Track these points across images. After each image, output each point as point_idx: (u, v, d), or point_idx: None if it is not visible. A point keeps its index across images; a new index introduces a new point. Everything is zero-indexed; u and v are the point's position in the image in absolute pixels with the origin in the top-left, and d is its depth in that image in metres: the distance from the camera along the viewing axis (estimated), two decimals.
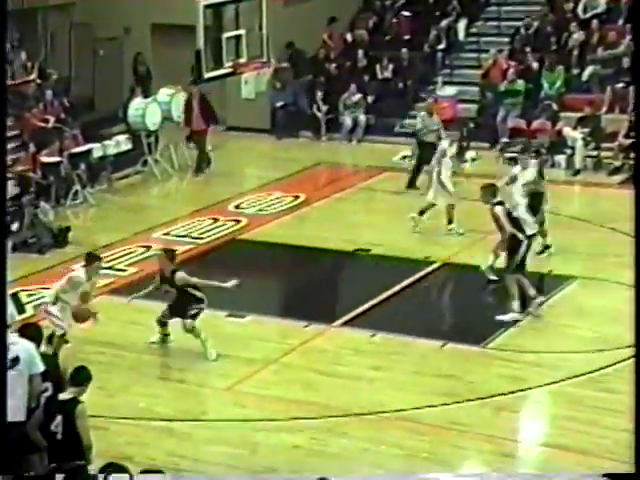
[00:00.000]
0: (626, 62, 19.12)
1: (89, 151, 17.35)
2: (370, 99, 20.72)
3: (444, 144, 15.27)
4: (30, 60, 19.54)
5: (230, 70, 14.39)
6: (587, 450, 8.95)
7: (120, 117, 19.16)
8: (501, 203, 12.00)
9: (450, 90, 20.19)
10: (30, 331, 8.03)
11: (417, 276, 13.25)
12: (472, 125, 19.60)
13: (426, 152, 16.40)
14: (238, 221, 15.86)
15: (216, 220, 15.86)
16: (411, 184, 17.05)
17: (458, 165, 17.36)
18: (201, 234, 15.28)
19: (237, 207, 16.51)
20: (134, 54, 20.89)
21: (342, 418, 9.41)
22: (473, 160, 18.93)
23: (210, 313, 12.06)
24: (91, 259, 10.89)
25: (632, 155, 17.76)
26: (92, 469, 7.01)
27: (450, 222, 14.85)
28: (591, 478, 5.34)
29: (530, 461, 9.06)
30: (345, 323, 11.95)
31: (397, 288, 12.80)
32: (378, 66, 21.17)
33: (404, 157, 19.19)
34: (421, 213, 14.91)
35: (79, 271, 10.97)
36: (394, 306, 12.46)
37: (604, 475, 5.28)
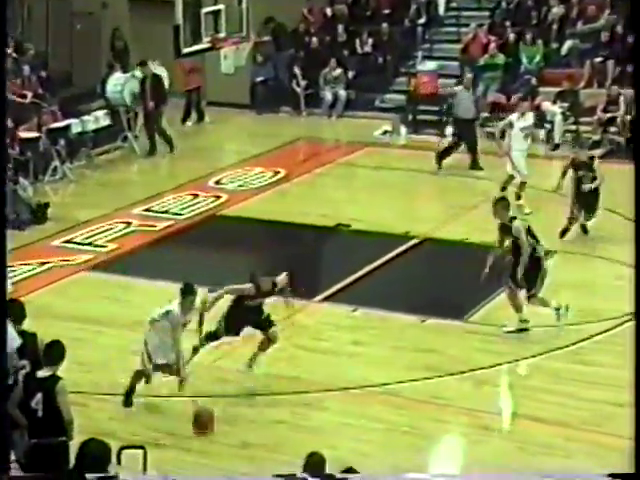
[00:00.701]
0: (605, 36, 19.16)
1: (68, 127, 17.24)
2: (350, 74, 20.66)
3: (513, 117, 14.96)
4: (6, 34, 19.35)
5: (209, 45, 14.32)
6: (565, 422, 9.04)
7: (99, 93, 19.03)
8: (516, 218, 11.00)
9: (430, 65, 20.14)
10: (11, 308, 8.01)
11: (397, 251, 13.28)
12: (452, 100, 19.57)
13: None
14: (218, 197, 15.82)
15: (196, 196, 15.82)
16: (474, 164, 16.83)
17: (439, 140, 17.43)
18: (181, 210, 15.23)
19: (217, 183, 16.46)
20: (112, 29, 20.72)
21: (323, 393, 9.45)
22: (453, 135, 18.93)
23: None
24: (187, 292, 9.54)
25: (611, 129, 17.86)
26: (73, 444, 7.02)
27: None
28: (595, 477, 5.40)
29: (509, 434, 9.13)
30: (326, 298, 11.97)
31: (378, 263, 12.83)
32: (358, 41, 21.09)
33: (385, 132, 19.19)
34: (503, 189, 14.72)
35: (174, 305, 9.55)
36: (375, 281, 12.49)
37: (609, 475, 5.33)
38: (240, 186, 16.36)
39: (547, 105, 18.24)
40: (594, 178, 13.33)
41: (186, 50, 13.93)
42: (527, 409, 9.60)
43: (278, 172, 16.91)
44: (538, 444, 8.75)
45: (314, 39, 21.12)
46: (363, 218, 14.50)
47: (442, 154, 16.89)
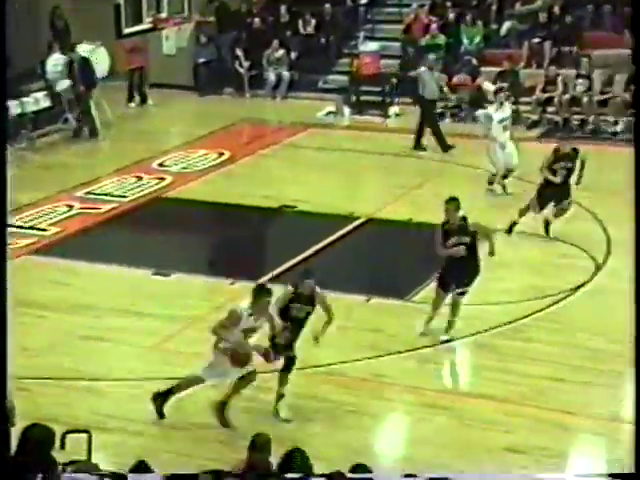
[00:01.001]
0: (542, 17, 19.38)
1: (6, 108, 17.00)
2: (293, 55, 20.65)
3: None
4: None
5: (150, 26, 14.24)
6: (506, 398, 9.19)
7: (38, 73, 18.78)
8: (466, 218, 10.34)
9: (372, 45, 20.21)
10: None
11: (342, 232, 13.35)
12: (395, 80, 19.68)
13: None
14: (162, 179, 15.74)
15: (140, 178, 15.73)
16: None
17: (383, 121, 17.50)
18: (125, 192, 15.14)
19: (161, 165, 16.38)
20: (51, 7, 20.42)
21: (269, 374, 9.48)
22: (397, 115, 19.07)
23: (135, 271, 12.03)
24: (260, 292, 8.76)
25: (549, 109, 18.09)
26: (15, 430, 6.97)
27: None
28: (595, 478, 5.51)
29: (452, 410, 9.26)
30: (271, 279, 11.99)
31: (322, 244, 12.89)
32: (301, 21, 21.08)
33: (328, 113, 19.24)
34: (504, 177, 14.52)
35: (243, 304, 8.87)
36: (320, 262, 12.54)
37: (609, 475, 5.44)
38: (184, 168, 16.29)
39: (488, 85, 18.42)
40: (569, 170, 12.63)
41: (127, 30, 13.84)
42: (470, 386, 9.77)
43: (222, 154, 16.87)
44: (480, 420, 8.89)
45: (256, 20, 21.06)
46: (308, 199, 14.54)
47: (418, 135, 16.88)
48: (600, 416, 8.90)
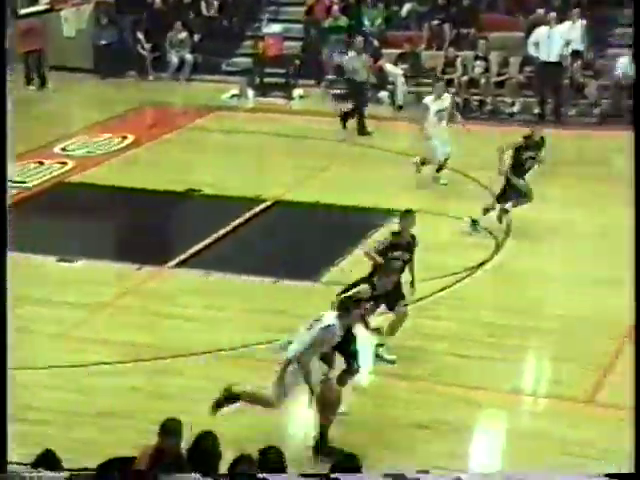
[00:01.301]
0: (441, 0, 19.65)
1: None
2: (196, 37, 20.51)
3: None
4: None
5: (47, 7, 13.98)
6: (414, 375, 9.36)
7: None
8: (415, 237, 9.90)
9: (276, 27, 20.23)
10: None
11: (249, 214, 13.38)
12: (298, 62, 19.74)
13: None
14: (65, 163, 15.51)
15: (41, 163, 15.47)
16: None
17: (287, 103, 17.54)
18: (26, 178, 14.87)
19: (63, 149, 16.13)
20: None
21: (179, 358, 9.49)
22: (301, 97, 19.14)
23: (40, 258, 11.86)
24: (348, 305, 8.12)
25: (449, 90, 18.28)
26: None
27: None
28: (593, 479, 5.64)
29: (362, 390, 9.41)
30: (179, 264, 11.97)
31: (230, 227, 12.91)
32: (204, 3, 20.93)
33: (233, 96, 19.22)
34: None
35: (331, 317, 8.07)
36: (227, 245, 12.57)
37: (606, 475, 5.57)
38: (88, 152, 16.08)
39: (389, 67, 18.63)
40: (533, 159, 12.40)
41: (23, 11, 13.56)
42: (377, 365, 9.90)
43: (126, 137, 16.70)
44: (389, 398, 9.06)
45: (158, 0, 20.83)
46: (214, 182, 14.52)
47: (345, 116, 16.89)
48: (502, 390, 9.16)
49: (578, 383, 9.11)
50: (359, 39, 17.78)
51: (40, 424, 8.56)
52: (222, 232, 12.75)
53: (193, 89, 19.82)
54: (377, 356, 9.60)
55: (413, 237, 9.73)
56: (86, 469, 6.24)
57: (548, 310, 10.71)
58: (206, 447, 6.19)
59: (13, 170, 15.10)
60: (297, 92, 19.20)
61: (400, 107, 18.24)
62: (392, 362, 9.52)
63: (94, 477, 5.96)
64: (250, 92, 19.32)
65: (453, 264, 11.65)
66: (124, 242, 13.63)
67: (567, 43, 17.37)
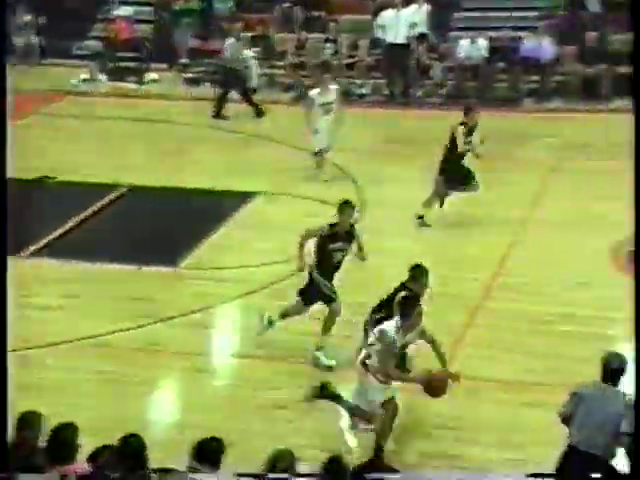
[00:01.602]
0: None
1: None
2: (42, 19, 20.05)
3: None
4: None
5: None
6: (273, 356, 9.55)
7: None
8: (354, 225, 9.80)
9: (126, 10, 20.02)
10: None
11: (105, 201, 13.30)
12: (149, 46, 19.60)
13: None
14: None
15: None
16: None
17: (138, 87, 17.42)
18: None
19: None
20: None
21: (37, 349, 9.44)
22: (153, 81, 19.04)
23: None
24: (410, 305, 7.96)
25: (301, 73, 18.56)
26: None
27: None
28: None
29: (224, 373, 9.60)
30: (34, 253, 11.82)
31: (85, 214, 12.81)
32: None
33: (83, 80, 18.95)
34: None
35: (390, 324, 7.95)
36: (84, 233, 12.47)
37: (606, 475, 5.74)
38: None
39: (245, 52, 18.66)
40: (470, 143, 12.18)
41: None
42: (239, 347, 10.09)
43: None
44: (249, 379, 9.25)
45: None
46: (68, 169, 14.35)
47: (219, 103, 16.84)
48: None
49: None
50: (237, 25, 17.85)
51: None
52: (78, 220, 12.63)
53: (42, 74, 19.40)
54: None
55: (352, 226, 9.59)
56: None
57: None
58: (65, 438, 6.18)
59: None
60: (150, 76, 19.08)
61: (254, 90, 18.37)
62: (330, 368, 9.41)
63: None
64: (102, 76, 19.08)
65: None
66: None
67: (413, 26, 17.85)
